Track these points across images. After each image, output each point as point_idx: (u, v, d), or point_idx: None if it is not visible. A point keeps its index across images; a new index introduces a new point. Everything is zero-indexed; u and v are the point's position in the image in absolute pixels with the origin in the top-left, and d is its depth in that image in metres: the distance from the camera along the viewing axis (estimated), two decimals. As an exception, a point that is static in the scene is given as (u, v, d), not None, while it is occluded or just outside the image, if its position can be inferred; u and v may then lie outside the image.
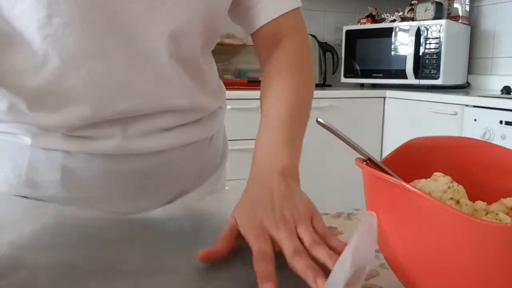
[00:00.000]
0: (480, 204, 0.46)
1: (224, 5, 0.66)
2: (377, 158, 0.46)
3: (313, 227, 0.46)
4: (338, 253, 0.42)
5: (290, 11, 0.68)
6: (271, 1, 0.67)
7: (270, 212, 0.47)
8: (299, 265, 0.41)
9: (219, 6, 0.65)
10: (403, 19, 2.60)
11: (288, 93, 0.62)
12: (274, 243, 0.45)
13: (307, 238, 0.44)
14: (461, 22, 2.52)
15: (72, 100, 0.59)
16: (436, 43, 2.34)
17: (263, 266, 0.41)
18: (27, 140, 0.61)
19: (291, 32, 0.69)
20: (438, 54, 2.34)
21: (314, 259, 0.42)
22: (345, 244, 0.42)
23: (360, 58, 2.67)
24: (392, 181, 0.39)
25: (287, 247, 0.43)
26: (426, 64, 2.39)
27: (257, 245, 0.44)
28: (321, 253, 0.42)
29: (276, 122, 0.59)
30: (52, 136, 0.61)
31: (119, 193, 0.66)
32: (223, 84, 0.80)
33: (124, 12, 0.56)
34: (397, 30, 2.49)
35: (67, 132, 0.61)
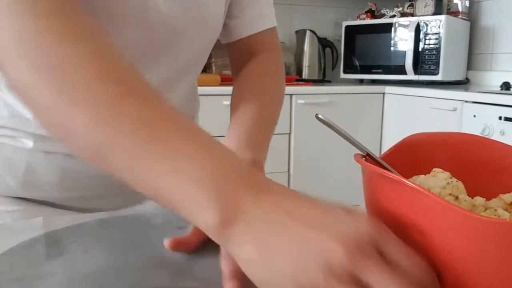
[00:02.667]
0: (479, 200, 0.46)
1: (221, 22, 0.68)
2: (376, 154, 0.46)
3: None
4: None
5: (267, 29, 0.71)
6: (250, 17, 0.69)
7: None
8: None
9: (219, 26, 0.67)
10: (403, 14, 2.59)
11: (259, 99, 0.64)
12: None
13: None
14: (461, 18, 2.51)
15: None
16: (435, 39, 2.34)
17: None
18: (29, 143, 0.61)
19: (265, 49, 0.72)
20: (438, 50, 2.34)
21: None
22: None
23: (359, 54, 2.67)
24: (391, 177, 0.39)
25: None
26: (425, 60, 2.39)
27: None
28: None
29: (243, 124, 0.60)
30: (54, 140, 0.61)
31: (117, 189, 0.66)
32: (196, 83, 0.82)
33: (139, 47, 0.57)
34: (396, 25, 2.49)
35: None
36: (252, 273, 0.29)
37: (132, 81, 0.36)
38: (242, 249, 0.29)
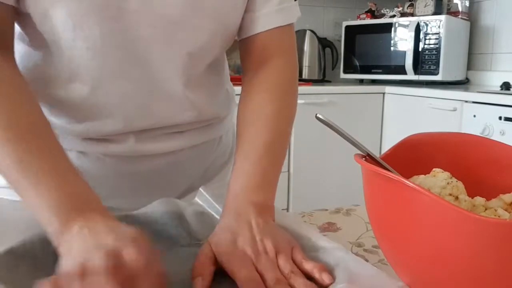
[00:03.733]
0: (479, 200, 0.46)
1: (238, 20, 0.65)
2: (376, 154, 0.46)
3: (293, 259, 0.47)
4: (314, 274, 0.44)
5: (284, 26, 0.66)
6: (265, 12, 0.64)
7: (251, 242, 0.47)
8: None
9: (234, 23, 0.64)
10: (403, 14, 2.59)
11: (269, 125, 0.61)
12: None
13: (287, 268, 0.45)
14: (461, 18, 2.51)
15: (90, 117, 0.61)
16: (435, 39, 2.34)
17: None
18: None
19: (281, 52, 0.67)
20: (438, 49, 2.33)
21: None
22: (322, 266, 0.45)
23: (359, 54, 2.67)
24: (391, 177, 0.39)
25: (270, 276, 0.44)
26: (425, 60, 2.39)
27: (244, 272, 0.44)
28: (299, 283, 0.43)
29: (255, 155, 0.59)
30: (69, 138, 0.62)
31: (129, 190, 0.67)
32: (231, 85, 0.79)
33: (143, 38, 0.57)
34: (396, 25, 2.49)
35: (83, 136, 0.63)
36: (64, 261, 0.41)
37: (20, 126, 0.49)
38: (62, 247, 0.43)
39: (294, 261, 0.47)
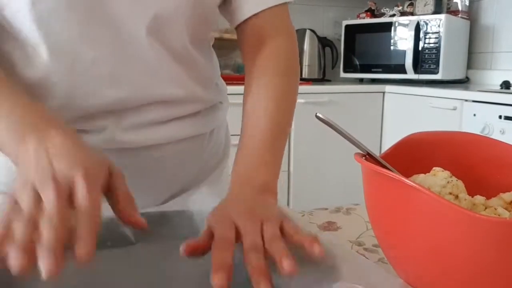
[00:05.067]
0: (479, 198, 0.46)
1: None
2: (376, 153, 0.46)
3: (282, 228, 0.44)
4: (304, 244, 0.40)
5: (278, 5, 0.65)
6: None
7: (240, 207, 0.47)
8: (250, 262, 0.39)
9: None
10: (403, 13, 2.59)
11: (272, 106, 0.62)
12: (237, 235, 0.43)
13: (268, 233, 0.42)
14: (461, 17, 2.51)
15: (60, 90, 0.58)
16: (435, 38, 2.34)
17: (220, 254, 0.39)
18: None
19: (278, 32, 0.66)
20: (438, 48, 2.33)
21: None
22: (314, 238, 0.40)
23: (359, 53, 2.67)
24: (391, 176, 0.39)
25: (247, 240, 0.42)
26: (425, 59, 2.39)
27: (219, 230, 0.43)
28: (276, 249, 0.40)
29: (259, 136, 0.59)
30: None
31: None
32: (224, 83, 0.78)
33: None
34: (396, 24, 2.49)
35: None
36: (17, 184, 0.41)
37: None
38: (19, 168, 0.44)
39: (282, 231, 0.43)
